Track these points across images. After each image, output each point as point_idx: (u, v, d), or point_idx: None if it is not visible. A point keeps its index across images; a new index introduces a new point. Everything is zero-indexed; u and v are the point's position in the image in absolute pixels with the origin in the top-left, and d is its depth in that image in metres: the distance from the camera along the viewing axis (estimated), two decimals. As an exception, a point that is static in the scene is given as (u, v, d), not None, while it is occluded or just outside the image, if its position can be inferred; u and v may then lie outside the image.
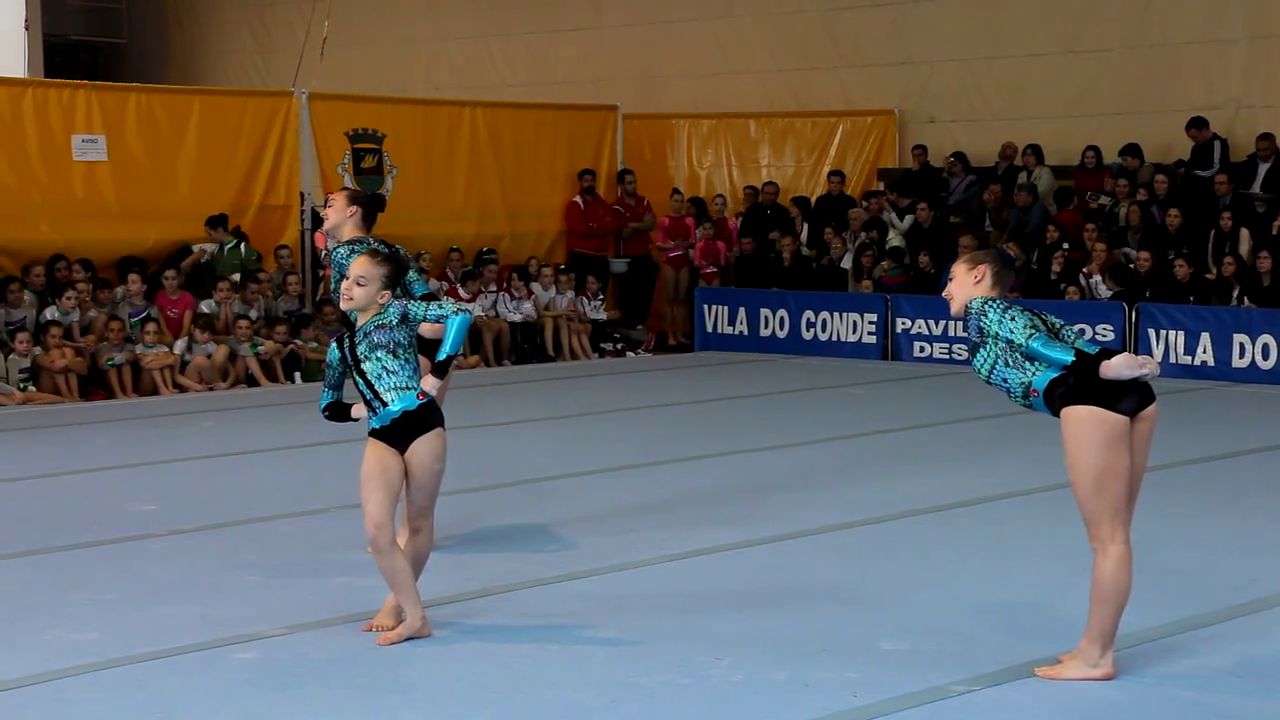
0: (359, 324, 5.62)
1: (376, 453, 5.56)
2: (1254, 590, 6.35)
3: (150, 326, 13.26)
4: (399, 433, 5.56)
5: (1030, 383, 5.05)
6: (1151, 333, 13.83)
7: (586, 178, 17.15)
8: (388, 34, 21.18)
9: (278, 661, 5.40)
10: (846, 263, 16.15)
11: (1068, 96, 16.42)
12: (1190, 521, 7.77)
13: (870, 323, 15.41)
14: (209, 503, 8.27)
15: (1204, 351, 13.59)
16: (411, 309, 5.58)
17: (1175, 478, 8.96)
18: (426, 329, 5.82)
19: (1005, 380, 5.11)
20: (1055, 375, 4.99)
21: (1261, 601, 6.18)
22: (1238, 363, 13.48)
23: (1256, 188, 14.81)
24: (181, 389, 13.18)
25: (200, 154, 14.69)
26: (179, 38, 23.90)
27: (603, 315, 16.45)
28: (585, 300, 16.28)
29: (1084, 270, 14.58)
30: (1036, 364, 5.04)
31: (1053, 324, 5.17)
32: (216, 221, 14.49)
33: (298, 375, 13.84)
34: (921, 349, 15.08)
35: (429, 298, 6.53)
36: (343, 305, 5.66)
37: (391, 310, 5.57)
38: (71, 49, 24.26)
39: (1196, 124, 15.16)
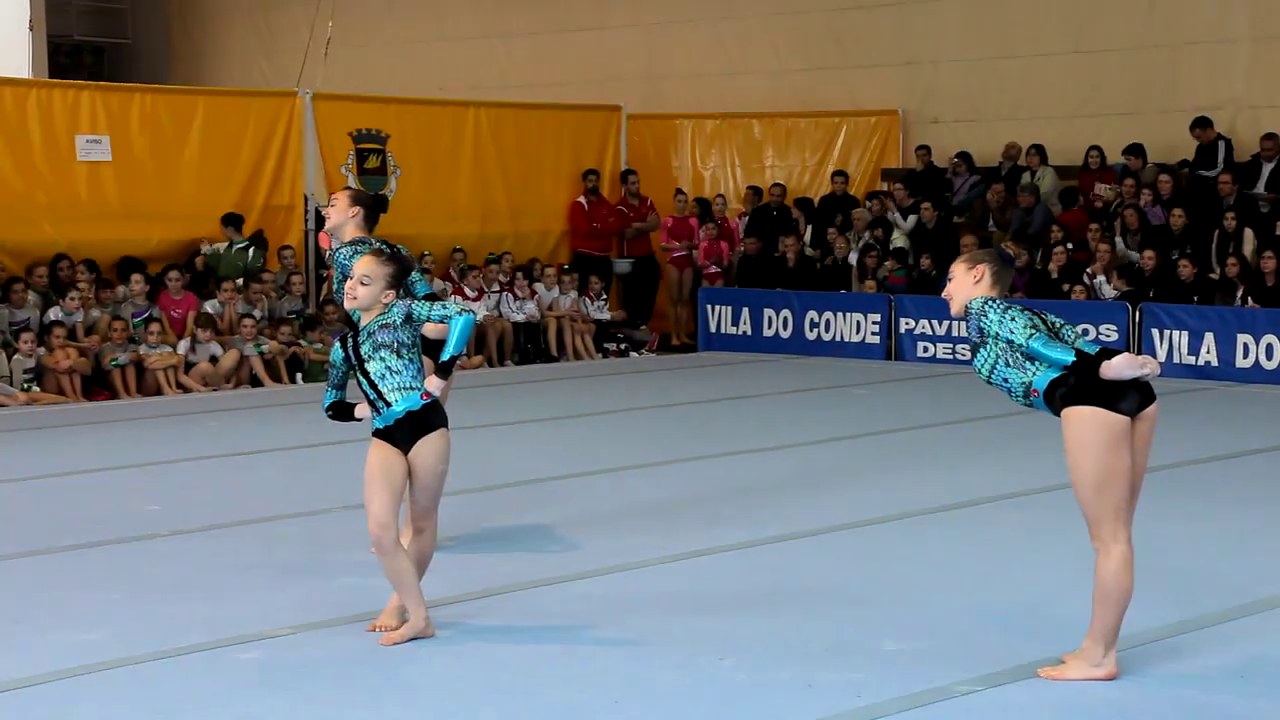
0: (362, 324, 5.63)
1: (380, 453, 5.57)
2: (1258, 590, 6.34)
3: (154, 327, 13.27)
4: (402, 433, 5.56)
5: (1031, 382, 5.05)
6: (1155, 333, 13.82)
7: (590, 178, 17.16)
8: (392, 34, 21.19)
9: (282, 662, 5.40)
10: (854, 258, 16.15)
11: (1072, 97, 16.40)
12: (1194, 522, 7.77)
13: (874, 323, 15.41)
14: (213, 503, 8.27)
15: (1208, 352, 13.58)
16: (415, 309, 5.58)
17: (1179, 478, 8.95)
18: (430, 329, 5.82)
19: (1006, 380, 5.11)
20: (1055, 375, 5.00)
21: (1265, 601, 6.17)
22: (1241, 363, 13.46)
23: (1260, 188, 14.80)
24: (185, 389, 13.19)
25: (204, 154, 14.70)
26: (183, 38, 23.91)
27: (606, 315, 16.46)
28: (588, 300, 16.29)
29: (1088, 270, 14.58)
30: (1037, 364, 5.04)
31: (1053, 323, 5.17)
32: (230, 220, 14.50)
33: (299, 376, 13.84)
34: (925, 349, 15.08)
35: (432, 298, 6.53)
36: (346, 305, 5.65)
37: (395, 310, 5.57)
38: (76, 49, 24.28)
39: (1201, 124, 15.15)
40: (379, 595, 5.99)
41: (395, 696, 5.01)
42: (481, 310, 15.31)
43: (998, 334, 5.04)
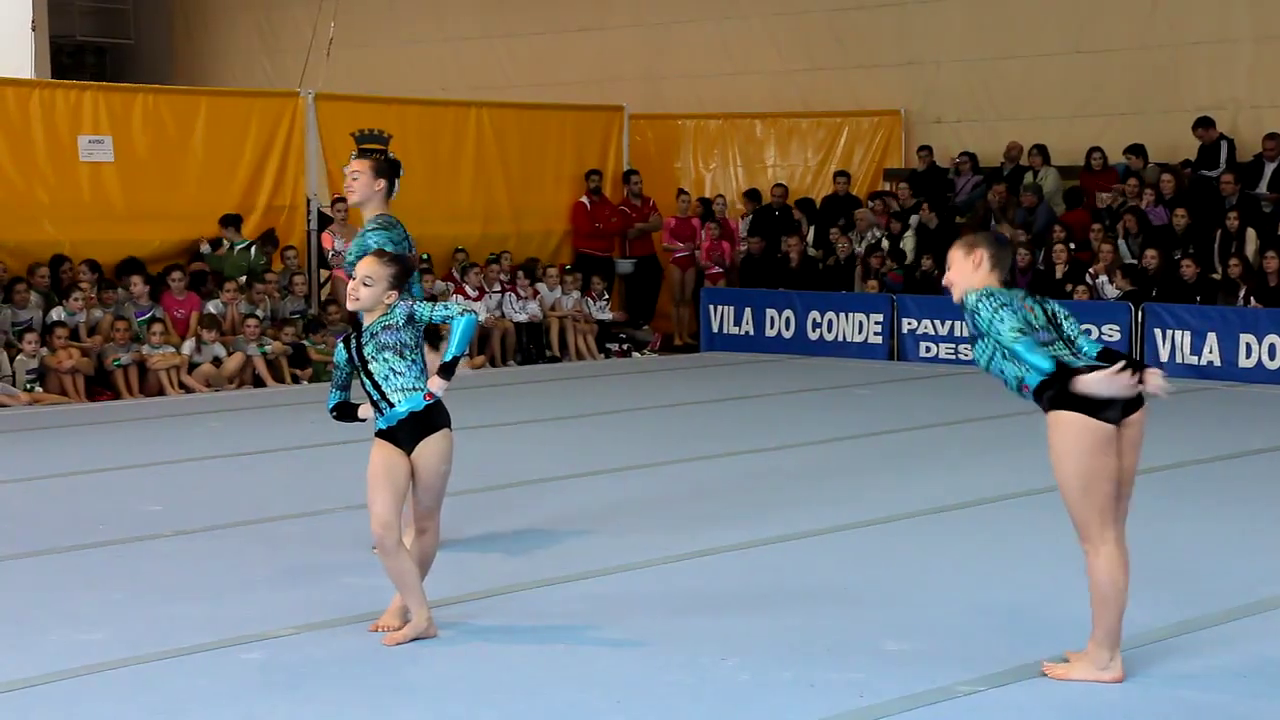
0: (365, 324, 5.63)
1: (383, 453, 5.57)
2: (1261, 590, 6.34)
3: (156, 327, 13.28)
4: (405, 433, 5.56)
5: (1023, 378, 5.08)
6: (1158, 333, 13.82)
7: (593, 178, 17.16)
8: (394, 35, 21.19)
9: (284, 662, 5.41)
10: (862, 247, 16.16)
11: (1074, 97, 16.40)
12: (1197, 521, 7.76)
13: (876, 323, 15.41)
14: (216, 503, 8.28)
15: (1210, 351, 13.58)
16: (418, 310, 5.58)
17: (1182, 478, 8.95)
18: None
19: (1002, 371, 5.16)
20: (1038, 387, 5.03)
21: (1269, 601, 6.17)
22: (1244, 363, 13.45)
23: (1263, 188, 14.79)
24: (188, 389, 13.19)
25: (206, 155, 14.71)
26: (186, 39, 23.92)
27: (608, 315, 16.46)
28: (590, 301, 16.29)
29: (1090, 270, 14.58)
30: (1016, 366, 5.07)
31: (1054, 314, 5.15)
32: (230, 221, 14.50)
33: (303, 378, 13.85)
34: (928, 349, 15.08)
35: (432, 299, 6.54)
36: (349, 305, 5.65)
37: (398, 311, 5.57)
38: (78, 50, 24.30)
39: (1203, 124, 15.14)
40: (381, 595, 6.00)
41: (397, 697, 5.01)
42: (483, 310, 15.32)
43: (986, 331, 5.05)
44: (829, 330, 15.72)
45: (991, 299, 5.04)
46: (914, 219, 16.33)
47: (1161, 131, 15.78)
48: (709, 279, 17.02)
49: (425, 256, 15.34)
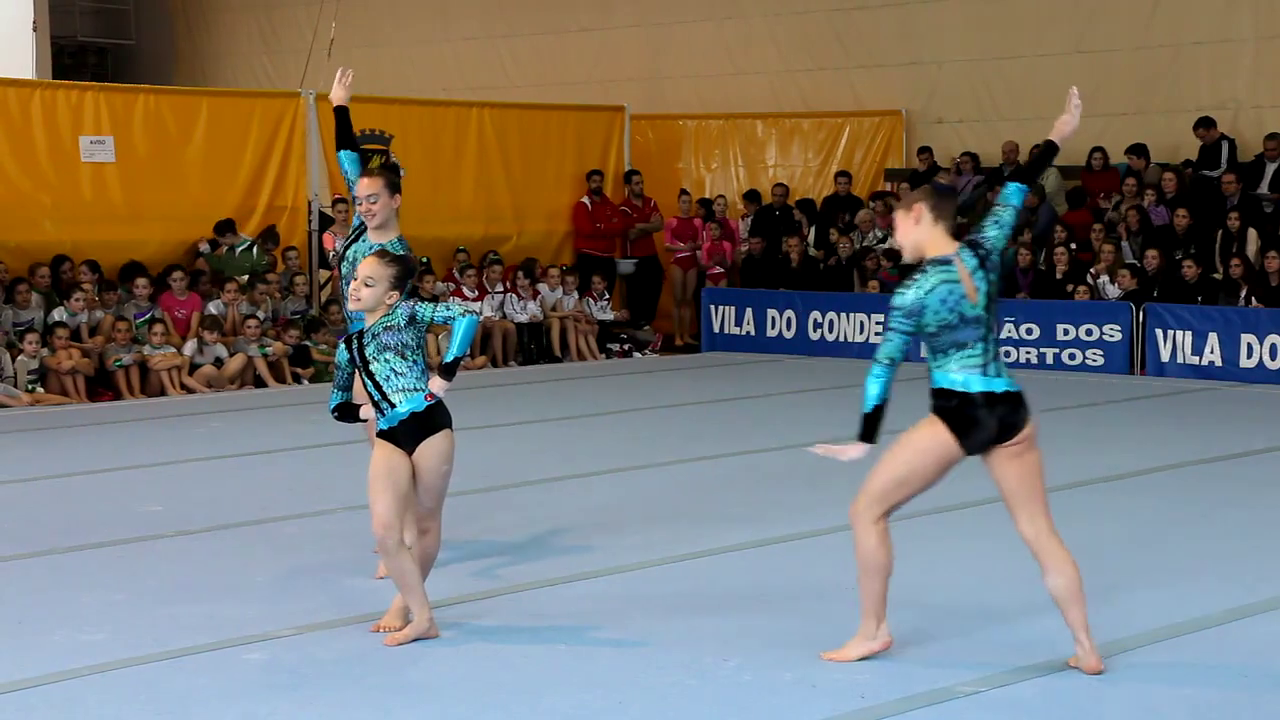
0: (367, 325, 5.63)
1: (384, 454, 5.57)
2: (1263, 590, 6.34)
3: (157, 328, 13.28)
4: (407, 434, 5.56)
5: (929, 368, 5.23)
6: (1159, 333, 13.82)
7: (594, 178, 17.16)
8: (395, 35, 21.20)
9: (285, 662, 5.41)
10: (871, 241, 16.17)
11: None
12: (1199, 521, 7.76)
13: (877, 323, 15.40)
14: (217, 504, 8.28)
15: (1211, 352, 13.58)
16: (419, 310, 5.58)
17: (1183, 478, 8.96)
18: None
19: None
20: (936, 386, 5.17)
21: (1271, 601, 6.17)
22: (1245, 363, 13.45)
23: (1264, 188, 14.78)
24: (189, 390, 13.20)
25: (208, 155, 14.71)
26: (187, 39, 23.93)
27: (609, 315, 16.46)
28: (591, 301, 16.29)
29: (1091, 270, 14.57)
30: (934, 356, 5.18)
31: (964, 315, 5.10)
32: (224, 228, 14.50)
33: (304, 378, 13.86)
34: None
35: (431, 300, 6.55)
36: (350, 306, 5.66)
37: (399, 312, 5.57)
38: (80, 50, 24.30)
39: (1204, 124, 15.14)
40: (383, 596, 6.00)
41: (399, 697, 5.01)
42: (486, 310, 15.33)
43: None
44: (830, 330, 15.72)
45: (896, 313, 5.11)
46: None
47: (1163, 131, 15.78)
48: (710, 279, 17.02)
49: (425, 260, 15.36)
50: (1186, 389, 13.00)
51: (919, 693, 5.01)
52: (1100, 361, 14.08)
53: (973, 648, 5.53)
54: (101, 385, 13.00)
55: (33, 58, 20.29)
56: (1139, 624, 5.77)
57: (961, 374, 5.11)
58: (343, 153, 6.98)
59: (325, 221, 14.98)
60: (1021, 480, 5.18)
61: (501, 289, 15.77)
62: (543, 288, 16.06)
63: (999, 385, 5.13)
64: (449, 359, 5.60)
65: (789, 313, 15.97)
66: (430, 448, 5.57)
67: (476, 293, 15.50)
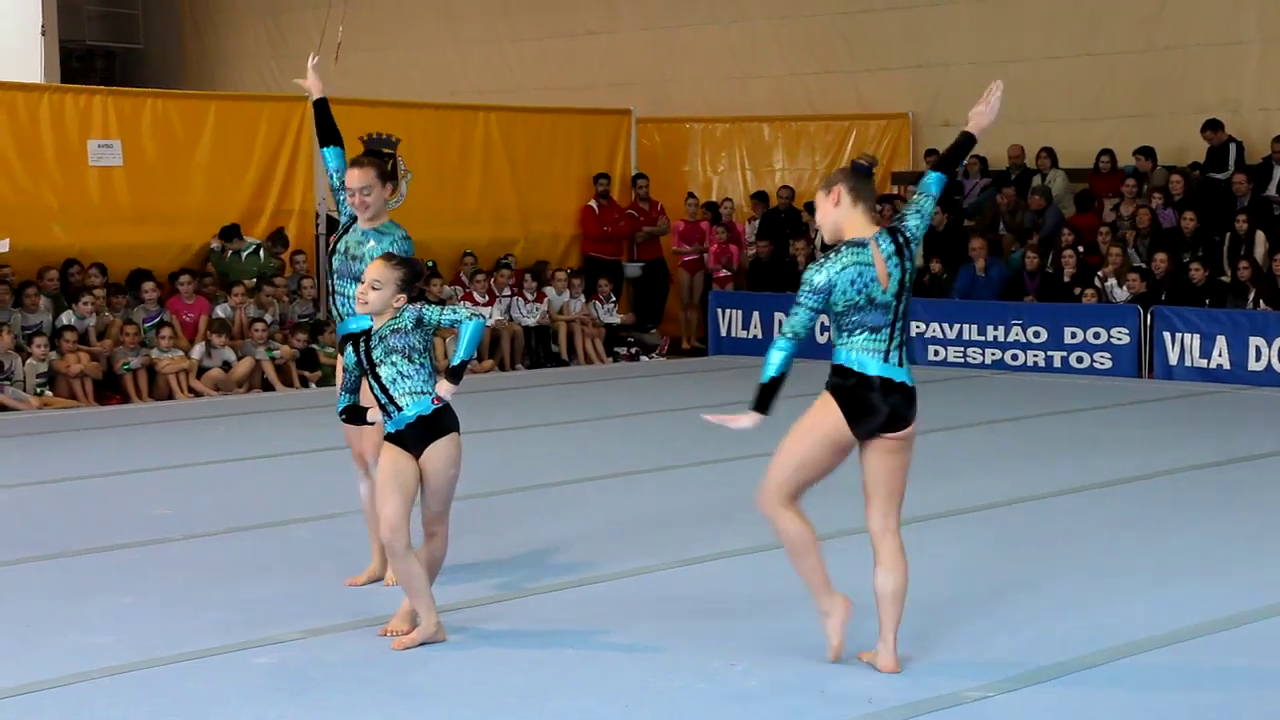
0: (374, 328, 5.63)
1: (391, 457, 5.57)
2: (1272, 593, 6.32)
3: (165, 331, 13.31)
4: (414, 437, 5.57)
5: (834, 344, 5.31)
6: (1167, 336, 13.80)
7: (601, 182, 17.17)
8: (402, 38, 21.22)
9: (294, 665, 5.41)
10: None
11: (1082, 99, 16.38)
12: (1207, 524, 7.74)
13: (884, 326, 15.37)
14: (225, 507, 8.29)
15: (1220, 354, 13.55)
16: (426, 313, 5.58)
17: (1192, 481, 8.94)
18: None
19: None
20: (836, 362, 5.21)
21: (1277, 606, 6.15)
22: (1254, 365, 13.43)
23: (1272, 190, 14.76)
24: (197, 393, 13.22)
25: (215, 159, 14.74)
26: (195, 43, 23.97)
27: (615, 318, 16.47)
28: (597, 304, 16.30)
29: (1099, 273, 14.56)
30: (839, 334, 5.25)
31: (873, 299, 5.15)
32: (230, 233, 14.52)
33: (312, 381, 13.87)
34: (936, 353, 15.06)
35: (439, 303, 6.54)
36: (357, 309, 5.66)
37: (406, 315, 5.58)
38: (88, 54, 24.35)
39: (1211, 126, 15.12)
40: (390, 600, 6.00)
41: (406, 701, 5.01)
42: (495, 314, 15.34)
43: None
44: (837, 333, 15.70)
45: (805, 288, 5.19)
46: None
47: (1170, 134, 15.76)
48: (717, 282, 17.02)
49: (431, 264, 15.36)
50: (1194, 392, 12.98)
51: (927, 698, 5.00)
52: (1108, 365, 14.06)
53: (981, 653, 5.52)
54: (109, 389, 13.02)
55: (41, 62, 20.34)
56: (1146, 627, 5.76)
57: (863, 355, 5.16)
58: (327, 149, 6.63)
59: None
60: (890, 475, 5.22)
61: (508, 292, 15.79)
62: (549, 291, 16.07)
63: (898, 374, 5.17)
64: (455, 362, 5.61)
65: (795, 316, 15.94)
66: (437, 451, 5.58)
67: (487, 297, 15.52)
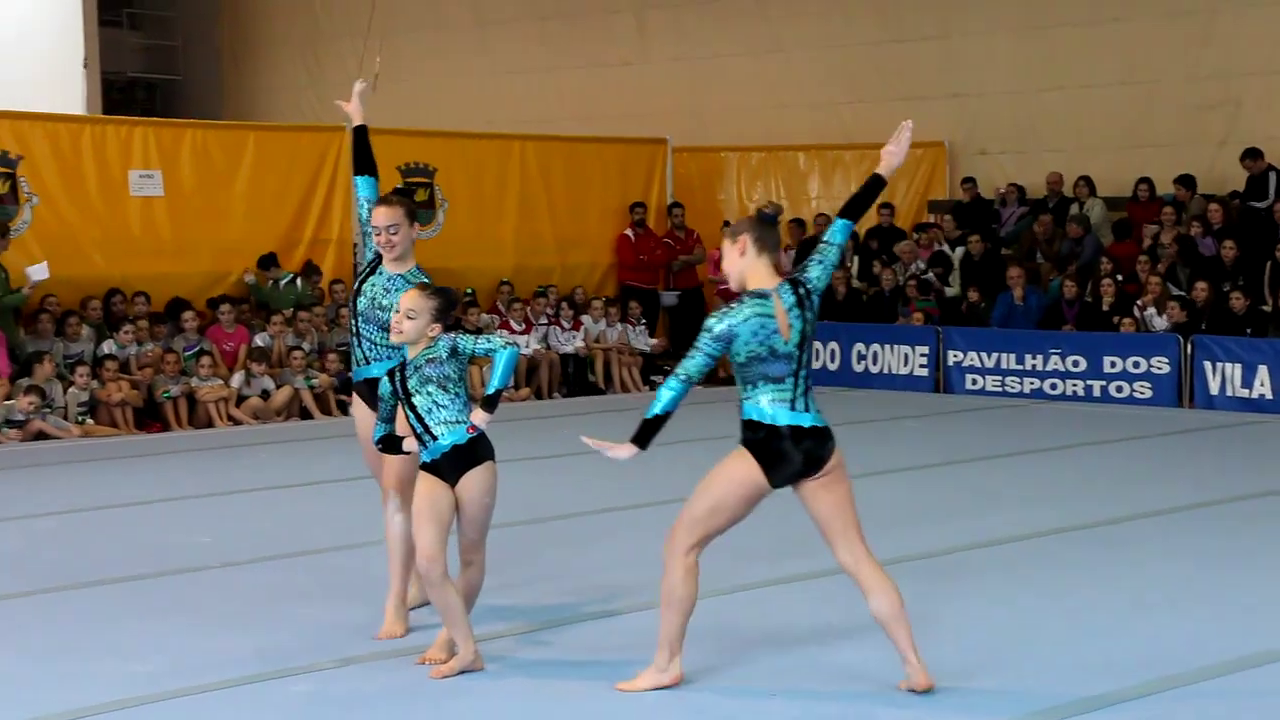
0: (409, 358, 5.65)
1: (427, 486, 5.58)
2: (1315, 627, 6.24)
3: (205, 360, 13.39)
4: (449, 467, 5.57)
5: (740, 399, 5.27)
6: (1208, 365, 13.69)
7: (637, 210, 17.21)
8: (439, 69, 21.36)
9: (331, 694, 5.41)
10: (914, 272, 16.11)
11: (1121, 128, 16.32)
12: (1250, 558, 7.66)
13: (922, 355, 15.34)
14: (264, 535, 8.32)
15: (1261, 384, 13.43)
16: (461, 342, 5.60)
17: (1233, 513, 8.85)
18: None
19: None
20: (746, 417, 5.23)
21: (1323, 638, 6.08)
22: (1295, 395, 13.31)
23: (1313, 218, 14.66)
24: (236, 421, 13.29)
25: (254, 188, 14.85)
26: (234, 74, 24.19)
27: (647, 345, 16.46)
28: (630, 327, 16.31)
29: (1138, 302, 14.47)
30: (744, 387, 5.23)
31: (775, 350, 5.17)
32: (268, 262, 14.62)
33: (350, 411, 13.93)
34: (974, 381, 14.99)
35: (475, 332, 6.55)
36: (393, 339, 5.67)
37: (441, 344, 5.59)
38: (129, 86, 24.62)
39: (1251, 155, 15.03)
40: (428, 628, 5.99)
41: (444, 730, 5.00)
42: (532, 344, 15.37)
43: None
44: (874, 362, 15.67)
45: (705, 334, 5.18)
46: (958, 251, 16.29)
47: (1209, 162, 15.68)
48: (753, 311, 16.97)
49: (470, 291, 15.42)
50: (1236, 422, 12.86)
51: (967, 729, 4.96)
52: (1148, 394, 13.96)
53: (1023, 683, 5.47)
54: (150, 417, 13.11)
55: (83, 94, 20.57)
56: (1183, 661, 5.69)
57: (770, 407, 5.18)
58: (361, 178, 6.48)
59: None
60: (835, 510, 5.27)
61: (545, 320, 15.82)
62: (586, 319, 16.09)
63: (806, 420, 5.20)
64: (490, 391, 5.62)
65: (833, 344, 15.93)
66: (473, 480, 5.58)
67: (523, 325, 15.55)
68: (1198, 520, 8.63)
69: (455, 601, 5.55)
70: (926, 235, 16.61)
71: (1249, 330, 13.83)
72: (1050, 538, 8.11)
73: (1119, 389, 14.11)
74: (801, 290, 5.22)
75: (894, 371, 15.52)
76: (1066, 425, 12.67)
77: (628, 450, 5.31)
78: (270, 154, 15.02)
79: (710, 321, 5.20)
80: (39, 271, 13.02)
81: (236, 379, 13.56)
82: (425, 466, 5.61)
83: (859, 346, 15.75)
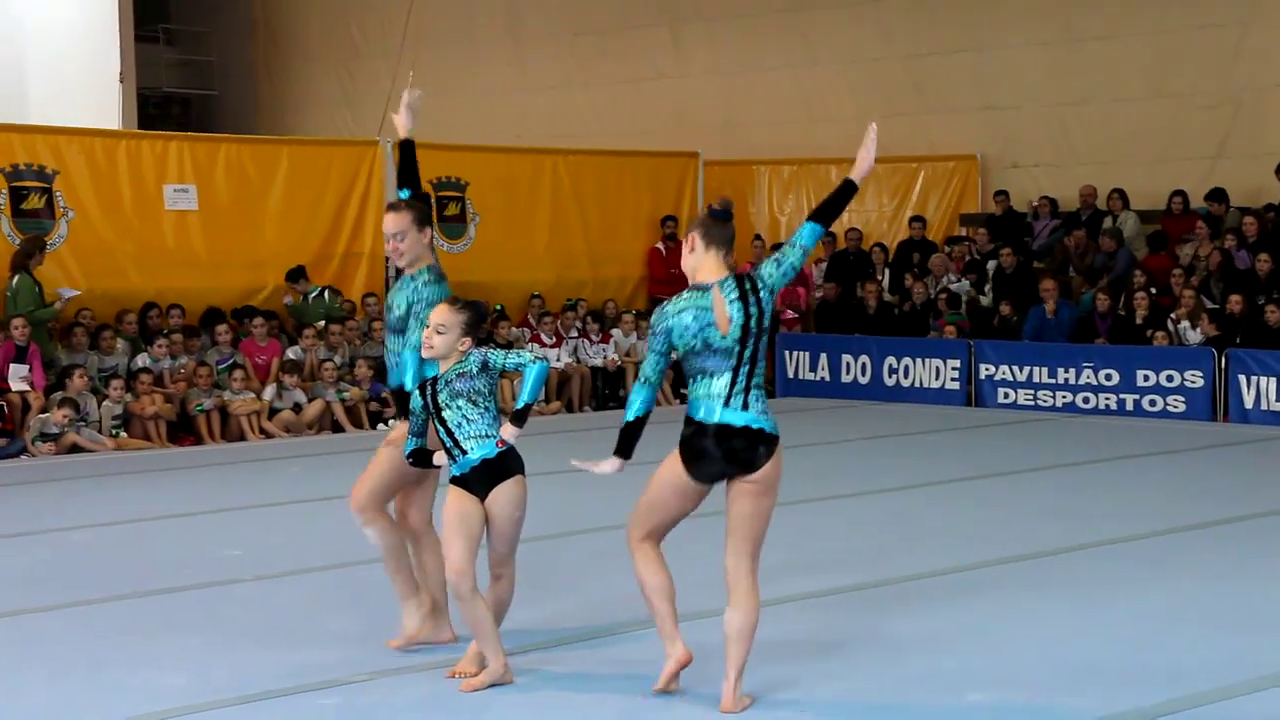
0: (440, 372, 5.66)
1: (457, 500, 5.59)
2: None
3: (238, 373, 13.46)
4: (479, 480, 5.58)
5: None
6: (1242, 379, 13.59)
7: (668, 224, 17.22)
8: (471, 83, 21.44)
9: (361, 707, 5.43)
10: (957, 286, 16.06)
11: (1154, 141, 16.25)
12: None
13: (953, 369, 15.29)
14: (295, 548, 8.35)
15: (1297, 398, 13.34)
16: (491, 357, 5.61)
17: (1268, 528, 8.78)
18: None
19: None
20: (687, 413, 5.32)
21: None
22: (1332, 410, 13.20)
23: (1349, 231, 14.56)
24: (268, 435, 13.35)
25: (287, 203, 14.94)
26: (268, 89, 24.35)
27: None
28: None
29: (1172, 315, 14.38)
30: (688, 382, 5.30)
31: (710, 344, 5.23)
32: (297, 274, 14.70)
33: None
34: (1006, 395, 14.93)
35: (505, 346, 6.56)
36: (424, 354, 5.69)
37: (472, 359, 5.61)
38: (165, 101, 24.83)
39: (1286, 167, 14.95)
40: (458, 641, 6.00)
41: (473, 744, 5.01)
42: (564, 357, 15.38)
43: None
44: (905, 376, 15.62)
45: (649, 332, 5.36)
46: (990, 264, 16.24)
47: (1244, 175, 15.59)
48: (784, 324, 16.98)
49: (499, 307, 15.45)
50: (1271, 436, 12.76)
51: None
52: (1182, 408, 13.86)
53: (1053, 699, 5.43)
54: (183, 430, 13.18)
55: (119, 108, 20.74)
56: (1221, 675, 5.65)
57: (704, 403, 5.22)
58: (402, 191, 6.42)
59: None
60: (749, 519, 5.32)
61: (575, 334, 15.84)
62: (616, 333, 16.11)
63: (739, 419, 5.21)
64: (520, 406, 5.63)
65: (864, 358, 15.89)
66: (503, 494, 5.59)
67: (554, 339, 15.58)
68: (1232, 535, 8.57)
69: (485, 615, 5.56)
70: (959, 249, 16.56)
71: (1285, 344, 13.73)
72: (1082, 552, 8.06)
73: (1152, 403, 14.02)
74: (748, 285, 5.22)
75: (925, 385, 15.47)
76: (1099, 439, 12.59)
77: (612, 464, 5.40)
78: (304, 168, 15.11)
79: (653, 318, 5.30)
80: (69, 291, 13.17)
81: (268, 392, 13.63)
82: (455, 480, 5.63)
83: (890, 360, 15.71)
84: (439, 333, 5.59)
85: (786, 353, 16.52)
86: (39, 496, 10.44)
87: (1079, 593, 7.16)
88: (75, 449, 12.39)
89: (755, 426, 5.19)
